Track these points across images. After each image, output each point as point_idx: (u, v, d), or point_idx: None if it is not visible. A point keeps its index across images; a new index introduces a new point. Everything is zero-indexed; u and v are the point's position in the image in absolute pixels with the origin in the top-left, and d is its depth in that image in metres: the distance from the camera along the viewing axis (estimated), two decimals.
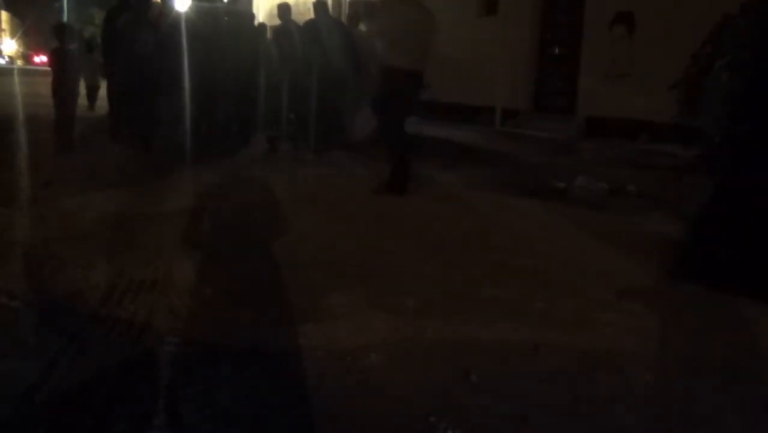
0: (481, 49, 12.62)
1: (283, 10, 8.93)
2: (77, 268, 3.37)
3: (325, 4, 8.74)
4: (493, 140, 10.36)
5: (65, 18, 39.50)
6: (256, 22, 9.52)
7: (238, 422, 2.03)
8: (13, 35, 62.91)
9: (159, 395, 2.15)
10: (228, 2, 9.93)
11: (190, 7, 8.36)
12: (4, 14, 59.20)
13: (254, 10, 16.59)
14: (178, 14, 8.36)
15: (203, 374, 2.31)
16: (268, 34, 9.56)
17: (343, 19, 12.25)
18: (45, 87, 8.55)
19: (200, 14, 8.05)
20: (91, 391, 2.16)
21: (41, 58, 61.72)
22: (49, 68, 8.47)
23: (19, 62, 57.89)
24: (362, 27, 10.86)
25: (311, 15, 8.89)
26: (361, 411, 2.11)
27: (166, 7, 8.81)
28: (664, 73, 6.35)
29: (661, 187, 6.31)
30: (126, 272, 3.33)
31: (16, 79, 24.85)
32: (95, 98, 12.58)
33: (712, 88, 5.71)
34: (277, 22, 9.28)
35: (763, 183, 3.24)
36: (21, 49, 64.86)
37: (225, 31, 7.79)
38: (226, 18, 8.43)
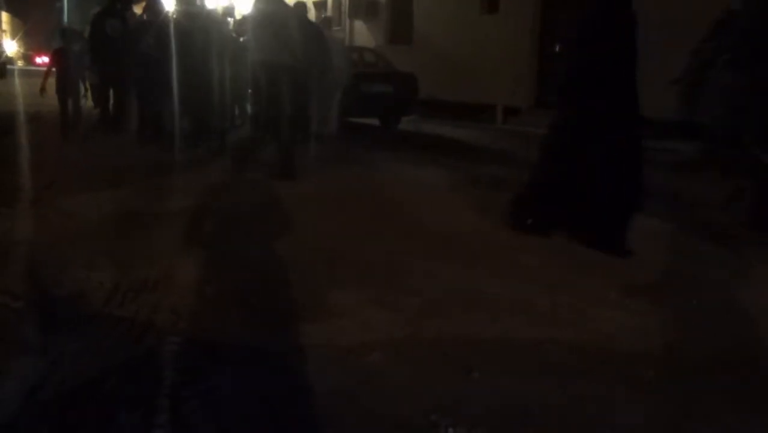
0: (483, 47, 12.62)
1: None
2: (79, 268, 3.38)
3: (304, 5, 9.30)
4: (493, 138, 10.36)
5: (66, 18, 39.58)
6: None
7: (241, 420, 2.03)
8: (14, 36, 62.90)
9: (162, 394, 2.15)
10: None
11: (180, 12, 8.66)
12: (5, 15, 59.17)
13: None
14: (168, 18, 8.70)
15: (206, 372, 2.32)
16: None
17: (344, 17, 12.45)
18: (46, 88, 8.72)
19: (191, 18, 8.40)
20: (94, 390, 2.16)
21: (43, 59, 61.68)
22: (48, 68, 8.91)
23: (20, 63, 57.83)
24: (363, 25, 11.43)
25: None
26: (363, 409, 2.11)
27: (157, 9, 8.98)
28: (665, 70, 6.33)
29: (663, 183, 6.30)
30: (128, 271, 3.34)
31: (17, 80, 24.83)
32: None
33: (714, 84, 5.69)
34: None
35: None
36: (22, 50, 64.84)
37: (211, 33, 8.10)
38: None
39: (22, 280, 3.24)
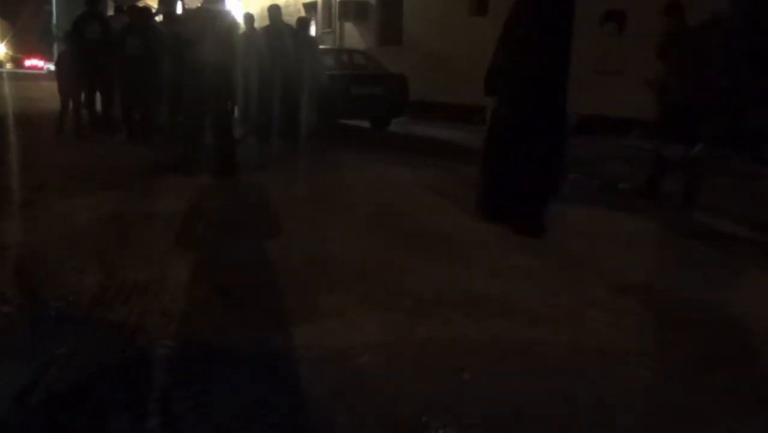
0: (473, 48, 12.62)
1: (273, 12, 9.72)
2: (70, 270, 3.36)
3: (278, 7, 9.78)
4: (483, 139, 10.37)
5: (55, 20, 39.47)
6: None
7: (234, 422, 2.03)
8: (2, 39, 62.50)
9: (153, 397, 2.14)
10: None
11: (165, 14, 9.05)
12: None
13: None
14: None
15: (197, 374, 2.31)
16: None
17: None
18: (37, 91, 8.85)
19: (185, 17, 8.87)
20: (85, 393, 2.15)
21: (32, 62, 61.31)
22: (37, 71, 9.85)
23: (9, 66, 57.46)
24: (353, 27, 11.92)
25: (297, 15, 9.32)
26: (354, 410, 2.11)
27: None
28: (655, 70, 6.37)
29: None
30: (119, 273, 3.32)
31: (6, 83, 24.65)
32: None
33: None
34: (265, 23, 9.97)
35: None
36: (10, 53, 64.44)
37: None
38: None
39: (12, 283, 3.21)
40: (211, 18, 6.52)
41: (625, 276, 3.58)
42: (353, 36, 17.47)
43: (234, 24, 6.91)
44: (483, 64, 4.71)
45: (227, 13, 6.80)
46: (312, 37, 11.33)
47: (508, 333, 2.77)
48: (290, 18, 12.70)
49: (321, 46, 13.43)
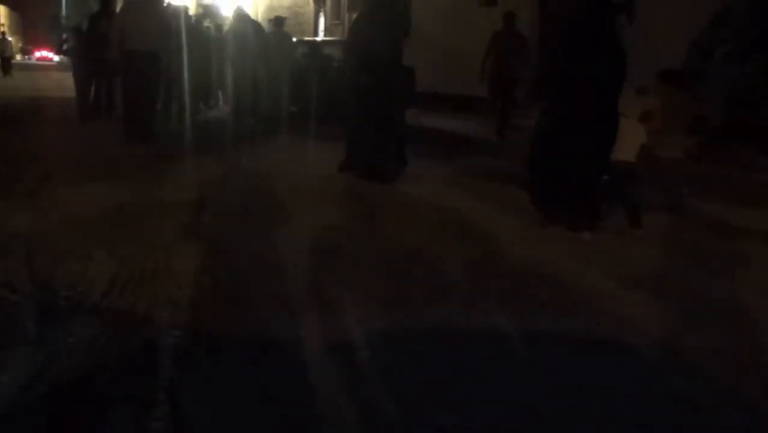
0: (482, 39, 12.56)
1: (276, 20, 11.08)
2: (77, 259, 3.36)
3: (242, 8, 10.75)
4: (492, 131, 10.33)
5: (64, 11, 39.56)
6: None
7: (239, 412, 2.03)
8: (12, 30, 62.62)
9: (159, 386, 2.14)
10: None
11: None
12: (2, 8, 58.83)
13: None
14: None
15: (203, 364, 2.31)
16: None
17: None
18: (46, 82, 8.90)
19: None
20: (92, 382, 2.16)
21: (42, 53, 61.46)
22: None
23: (18, 57, 57.63)
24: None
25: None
26: (358, 401, 2.11)
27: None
28: (665, 61, 6.33)
29: (663, 174, 6.29)
30: (126, 262, 3.32)
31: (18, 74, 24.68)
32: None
33: (713, 76, 5.68)
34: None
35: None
36: (20, 44, 64.59)
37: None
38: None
39: (19, 271, 3.22)
40: (150, 10, 7.32)
41: (630, 267, 3.56)
42: None
43: (171, 16, 7.85)
44: None
45: (167, 6, 7.65)
46: (286, 33, 12.17)
47: (513, 323, 2.75)
48: (301, 9, 12.72)
49: (329, 38, 13.50)
